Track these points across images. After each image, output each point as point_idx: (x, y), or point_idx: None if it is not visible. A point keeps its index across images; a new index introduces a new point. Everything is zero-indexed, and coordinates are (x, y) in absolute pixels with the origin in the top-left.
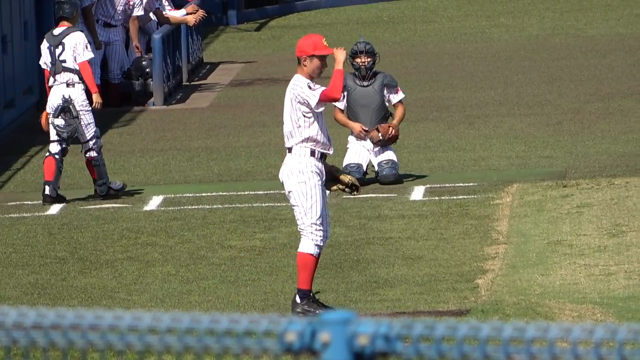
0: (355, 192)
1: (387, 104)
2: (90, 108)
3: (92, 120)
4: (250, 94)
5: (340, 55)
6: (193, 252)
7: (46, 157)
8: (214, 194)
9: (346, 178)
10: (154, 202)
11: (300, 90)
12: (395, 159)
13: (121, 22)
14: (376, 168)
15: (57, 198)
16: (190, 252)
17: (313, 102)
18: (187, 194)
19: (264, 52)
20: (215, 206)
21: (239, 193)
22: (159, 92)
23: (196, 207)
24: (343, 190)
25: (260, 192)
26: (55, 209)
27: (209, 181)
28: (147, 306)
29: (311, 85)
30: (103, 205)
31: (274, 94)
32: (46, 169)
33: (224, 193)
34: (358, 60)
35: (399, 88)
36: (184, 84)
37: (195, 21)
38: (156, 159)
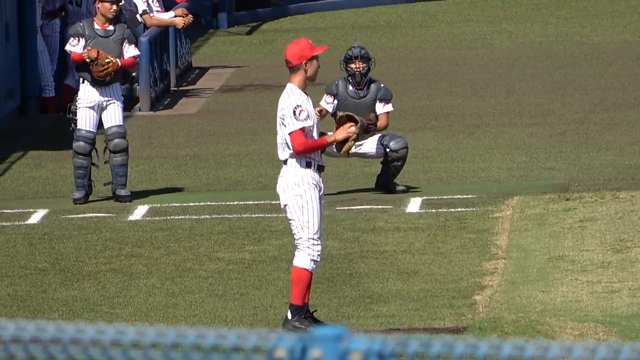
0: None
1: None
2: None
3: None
4: (241, 100)
5: (342, 134)
6: (179, 264)
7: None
8: (201, 203)
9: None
10: (139, 212)
11: (285, 107)
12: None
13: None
14: (380, 151)
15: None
16: (176, 264)
17: (288, 129)
18: (174, 204)
19: (255, 56)
20: (202, 216)
21: (227, 203)
22: (145, 97)
23: (183, 217)
24: (355, 139)
25: (250, 203)
26: (36, 217)
27: (196, 190)
28: (131, 320)
29: (297, 111)
30: (86, 215)
31: (266, 100)
32: None
33: (212, 203)
34: (352, 65)
35: (390, 101)
36: (171, 89)
37: (184, 24)
38: (142, 166)
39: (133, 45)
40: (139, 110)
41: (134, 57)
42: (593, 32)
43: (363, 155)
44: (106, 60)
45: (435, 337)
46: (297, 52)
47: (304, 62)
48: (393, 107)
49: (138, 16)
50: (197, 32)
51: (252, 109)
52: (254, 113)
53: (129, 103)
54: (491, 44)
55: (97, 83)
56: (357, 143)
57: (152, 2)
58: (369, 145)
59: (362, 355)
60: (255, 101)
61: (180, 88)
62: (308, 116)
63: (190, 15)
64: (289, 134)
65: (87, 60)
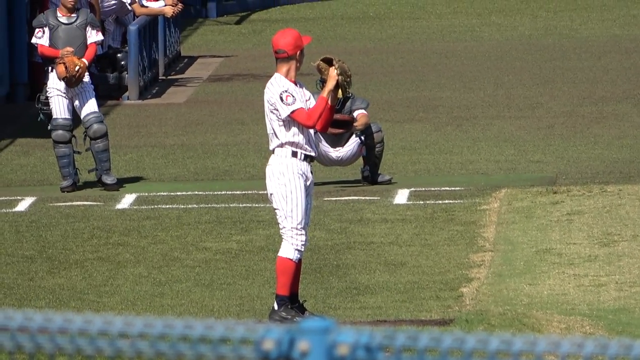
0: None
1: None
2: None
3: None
4: (229, 90)
5: (331, 82)
6: (166, 253)
7: None
8: (189, 193)
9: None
10: (127, 201)
11: (271, 97)
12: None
13: None
14: (359, 145)
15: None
16: (163, 253)
17: (283, 115)
18: (161, 193)
19: (244, 46)
20: (190, 206)
21: (215, 193)
22: (134, 85)
23: (170, 206)
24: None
25: (238, 192)
26: (23, 205)
27: (184, 180)
28: (118, 309)
29: (283, 97)
30: (73, 203)
31: (254, 90)
32: None
33: (200, 192)
34: None
35: (366, 109)
36: (160, 78)
37: (173, 13)
38: (130, 155)
39: (96, 31)
40: (128, 98)
41: (96, 42)
42: (582, 26)
43: (347, 160)
44: (76, 69)
45: (423, 329)
46: (291, 41)
47: (298, 52)
48: (387, 98)
49: (127, 5)
50: (186, 21)
51: (241, 99)
52: (242, 103)
53: (117, 91)
54: (480, 36)
55: (67, 84)
56: (339, 149)
57: None
58: (347, 146)
59: (349, 348)
60: (244, 91)
61: (169, 77)
62: (295, 99)
63: (179, 5)
64: (291, 118)
65: (59, 58)
